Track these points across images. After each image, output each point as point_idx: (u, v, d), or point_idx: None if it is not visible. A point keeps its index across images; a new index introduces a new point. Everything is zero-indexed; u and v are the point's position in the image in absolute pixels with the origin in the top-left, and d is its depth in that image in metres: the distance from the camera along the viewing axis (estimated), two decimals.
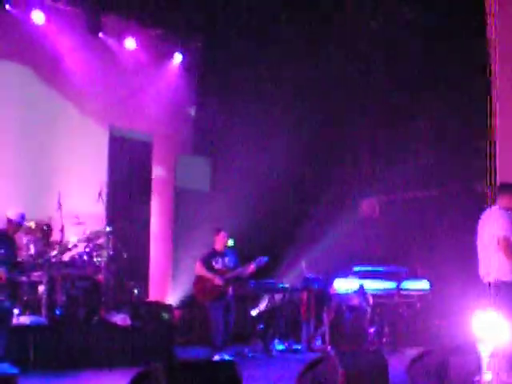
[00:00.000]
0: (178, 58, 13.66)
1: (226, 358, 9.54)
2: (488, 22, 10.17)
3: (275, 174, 13.40)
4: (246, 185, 12.92)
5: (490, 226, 7.86)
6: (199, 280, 10.08)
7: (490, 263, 7.82)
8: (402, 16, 13.24)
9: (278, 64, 13.27)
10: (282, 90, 13.28)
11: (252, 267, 10.13)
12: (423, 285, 10.92)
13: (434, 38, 12.45)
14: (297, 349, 10.89)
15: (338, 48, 13.08)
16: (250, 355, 10.36)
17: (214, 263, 10.12)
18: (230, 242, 11.60)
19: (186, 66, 13.82)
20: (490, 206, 9.46)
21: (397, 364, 7.85)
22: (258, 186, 13.17)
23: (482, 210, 9.75)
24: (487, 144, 9.84)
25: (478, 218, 9.41)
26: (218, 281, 9.91)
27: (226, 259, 10.20)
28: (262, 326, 10.90)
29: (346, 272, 11.35)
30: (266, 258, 10.21)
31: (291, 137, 13.13)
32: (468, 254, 11.54)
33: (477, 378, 7.38)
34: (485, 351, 7.75)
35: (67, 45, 12.04)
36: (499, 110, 10.50)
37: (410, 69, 13.00)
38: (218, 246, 10.29)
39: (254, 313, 11.52)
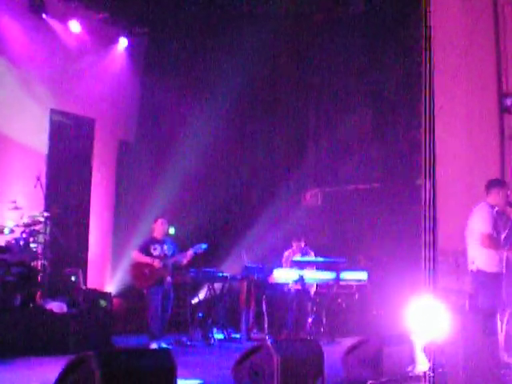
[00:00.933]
0: (123, 42, 13.50)
1: (163, 346, 9.51)
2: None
3: (217, 163, 13.39)
4: (188, 172, 12.86)
5: (476, 220, 7.99)
6: (137, 266, 10.03)
7: (474, 253, 8.04)
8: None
9: (224, 53, 13.24)
10: (226, 78, 13.25)
11: (190, 253, 10.13)
12: (362, 275, 11.00)
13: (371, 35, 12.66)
14: (236, 338, 10.90)
15: (276, 36, 13.12)
16: (188, 343, 10.33)
17: (152, 250, 10.08)
18: (171, 231, 11.56)
19: (131, 51, 13.66)
20: (428, 199, 9.61)
21: (333, 353, 7.94)
22: (200, 173, 13.14)
23: (419, 202, 9.88)
24: (424, 137, 9.94)
25: (416, 209, 9.53)
26: (156, 263, 9.88)
27: (165, 246, 10.17)
28: (201, 315, 10.86)
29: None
30: (204, 245, 10.21)
31: (235, 124, 13.14)
32: (406, 246, 11.74)
33: (410, 368, 7.50)
34: (419, 341, 7.88)
35: (9, 25, 11.76)
36: (436, 103, 10.64)
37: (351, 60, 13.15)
38: (157, 234, 10.25)
39: (193, 301, 11.48)
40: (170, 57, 13.64)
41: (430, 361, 7.17)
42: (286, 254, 11.56)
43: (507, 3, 12.10)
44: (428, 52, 10.21)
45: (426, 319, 9.24)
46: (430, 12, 10.31)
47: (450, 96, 11.94)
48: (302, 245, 11.50)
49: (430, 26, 10.18)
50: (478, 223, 7.95)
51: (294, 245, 11.50)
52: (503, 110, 11.91)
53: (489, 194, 8.07)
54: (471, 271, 8.08)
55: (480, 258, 7.96)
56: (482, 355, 6.42)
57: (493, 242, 7.81)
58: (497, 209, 7.94)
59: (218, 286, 10.97)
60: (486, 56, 12.14)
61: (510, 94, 11.88)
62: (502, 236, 7.90)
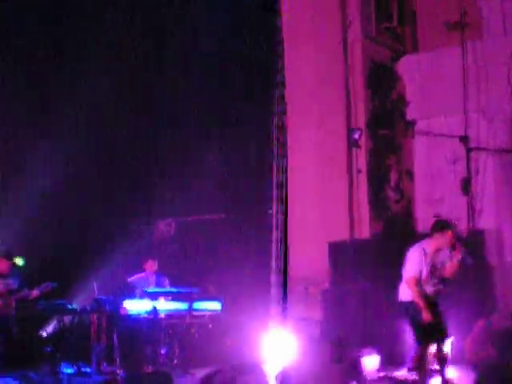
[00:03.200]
0: None
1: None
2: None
3: (69, 192, 13.10)
4: (40, 201, 12.52)
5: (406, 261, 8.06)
6: None
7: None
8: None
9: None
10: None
11: (36, 293, 9.85)
12: (215, 305, 11.02)
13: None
14: (86, 372, 10.59)
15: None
16: (35, 378, 9.95)
17: None
18: (20, 262, 11.17)
19: None
20: (277, 225, 9.84)
21: None
22: (52, 202, 12.80)
23: (271, 231, 10.07)
24: (275, 166, 10.20)
25: (268, 238, 9.71)
26: None
27: (10, 280, 9.82)
28: (49, 349, 10.50)
29: (139, 292, 11.25)
30: (53, 284, 9.95)
31: (87, 153, 12.93)
32: (258, 274, 11.90)
33: None
34: (271, 370, 7.96)
35: None
36: (289, 132, 10.94)
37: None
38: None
39: (42, 335, 11.09)
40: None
41: None
42: (137, 275, 11.49)
43: (356, 40, 12.64)
44: (280, 94, 10.53)
45: (277, 348, 9.41)
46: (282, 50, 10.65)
47: (301, 132, 12.32)
48: (155, 266, 11.45)
49: (283, 64, 10.50)
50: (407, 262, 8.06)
51: (148, 265, 11.42)
52: (352, 144, 12.38)
53: (434, 238, 8.07)
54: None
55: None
56: (330, 381, 6.56)
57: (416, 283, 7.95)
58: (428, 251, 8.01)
59: (67, 318, 10.67)
60: (336, 94, 12.61)
61: (358, 128, 12.37)
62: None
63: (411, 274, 7.88)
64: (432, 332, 7.77)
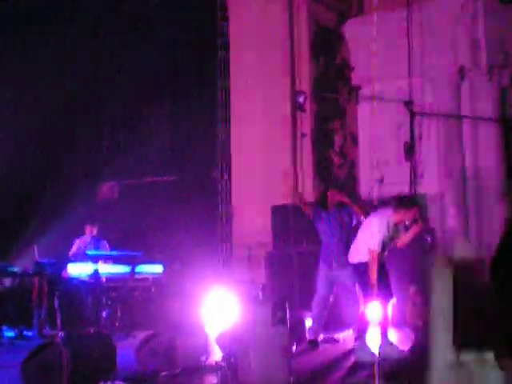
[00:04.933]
0: None
1: None
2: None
3: (10, 153, 12.87)
4: None
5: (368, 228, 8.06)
6: None
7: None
8: None
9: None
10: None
11: None
12: (157, 268, 10.97)
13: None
14: (28, 335, 10.48)
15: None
16: None
17: None
18: None
19: None
20: (223, 191, 9.82)
21: (128, 347, 7.86)
22: None
23: (215, 194, 10.04)
24: (219, 130, 10.15)
25: (213, 202, 9.67)
26: None
27: None
28: None
29: (80, 256, 11.13)
30: None
31: (27, 119, 12.69)
32: (203, 238, 11.89)
33: (203, 358, 7.58)
34: (213, 332, 7.99)
35: None
36: (232, 97, 10.88)
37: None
38: None
39: None
40: None
41: (222, 350, 7.30)
42: (78, 241, 11.34)
43: (302, 2, 12.57)
44: (224, 55, 10.46)
45: (219, 310, 9.43)
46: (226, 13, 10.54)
47: (246, 94, 12.24)
48: (95, 231, 11.32)
49: (226, 26, 10.41)
50: (369, 234, 8.04)
51: (87, 230, 11.30)
52: (296, 107, 12.36)
53: (394, 213, 8.01)
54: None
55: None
56: (271, 344, 6.59)
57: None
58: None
59: (8, 281, 10.51)
60: (281, 57, 12.56)
61: (303, 91, 12.34)
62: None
63: (376, 247, 7.93)
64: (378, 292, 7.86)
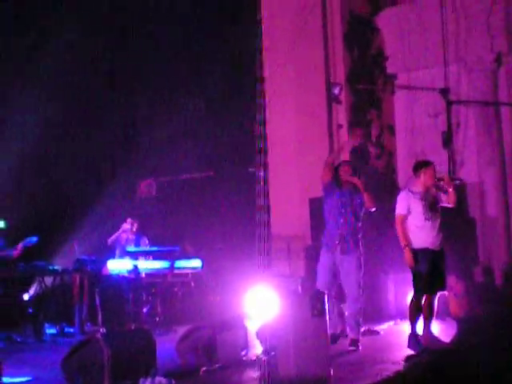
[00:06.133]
0: None
1: None
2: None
3: (47, 153, 13.00)
4: (17, 163, 12.42)
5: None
6: None
7: None
8: None
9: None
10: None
11: (20, 247, 9.80)
12: (196, 263, 11.00)
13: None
14: (69, 332, 10.59)
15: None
16: (19, 340, 9.94)
17: None
18: (1, 224, 11.10)
19: None
20: (260, 186, 9.75)
21: (169, 342, 7.91)
22: (29, 164, 12.71)
23: (253, 189, 10.00)
24: (257, 126, 10.09)
25: (250, 197, 9.61)
26: None
27: None
28: (31, 310, 10.47)
29: (120, 252, 11.24)
30: (35, 238, 9.89)
31: (66, 112, 12.81)
32: (242, 233, 11.89)
33: (243, 353, 7.59)
34: (253, 326, 7.99)
35: None
36: (268, 92, 10.82)
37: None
38: None
39: (25, 297, 11.05)
40: None
41: (262, 344, 7.30)
42: (121, 229, 11.40)
43: None
44: (259, 47, 10.40)
45: (259, 304, 9.42)
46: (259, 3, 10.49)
47: (280, 87, 12.19)
48: (135, 226, 11.39)
49: (260, 18, 10.37)
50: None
51: (129, 223, 11.36)
52: (332, 99, 12.29)
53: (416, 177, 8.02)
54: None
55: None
56: (311, 336, 6.57)
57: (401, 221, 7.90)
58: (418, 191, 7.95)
59: (49, 279, 10.63)
60: (315, 48, 12.49)
61: (338, 83, 12.27)
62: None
63: (397, 211, 7.92)
64: (425, 281, 7.74)
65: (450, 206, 8.03)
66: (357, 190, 8.35)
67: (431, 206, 7.90)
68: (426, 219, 7.84)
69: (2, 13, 12.63)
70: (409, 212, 7.86)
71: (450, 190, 7.93)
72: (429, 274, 7.73)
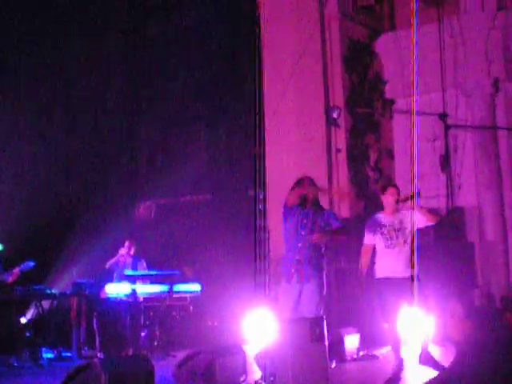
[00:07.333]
0: None
1: None
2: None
3: (45, 177, 13.00)
4: (16, 188, 12.41)
5: None
6: None
7: None
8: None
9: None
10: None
11: (16, 272, 9.77)
12: (195, 287, 10.97)
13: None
14: (67, 356, 10.54)
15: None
16: (15, 365, 9.87)
17: None
18: None
19: None
20: (259, 208, 9.74)
21: (167, 368, 7.86)
22: (28, 188, 12.69)
23: (251, 213, 10.01)
24: (256, 148, 10.12)
25: (249, 220, 9.62)
26: None
27: None
28: (28, 334, 10.42)
29: (117, 276, 11.19)
30: (32, 263, 9.85)
31: (61, 140, 12.82)
32: (240, 257, 11.85)
33: (242, 378, 7.54)
34: (252, 351, 7.95)
35: None
36: (267, 115, 10.86)
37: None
38: None
39: (22, 321, 11.00)
40: None
41: (261, 370, 7.26)
42: (119, 253, 11.33)
43: (334, 19, 12.57)
44: (258, 69, 10.45)
45: (257, 329, 9.40)
46: (259, 30, 10.56)
47: (280, 110, 12.23)
48: (133, 250, 11.33)
49: (260, 44, 10.41)
50: None
51: (126, 245, 11.30)
52: (330, 122, 12.33)
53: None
54: None
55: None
56: (310, 361, 6.54)
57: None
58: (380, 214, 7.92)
59: (46, 303, 10.59)
60: (314, 72, 12.54)
61: (337, 106, 12.32)
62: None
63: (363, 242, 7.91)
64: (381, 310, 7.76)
65: (431, 224, 7.92)
66: (321, 209, 7.67)
67: (394, 232, 7.78)
68: (385, 247, 7.78)
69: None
70: (373, 241, 7.85)
71: (420, 208, 7.82)
72: (382, 303, 7.69)
